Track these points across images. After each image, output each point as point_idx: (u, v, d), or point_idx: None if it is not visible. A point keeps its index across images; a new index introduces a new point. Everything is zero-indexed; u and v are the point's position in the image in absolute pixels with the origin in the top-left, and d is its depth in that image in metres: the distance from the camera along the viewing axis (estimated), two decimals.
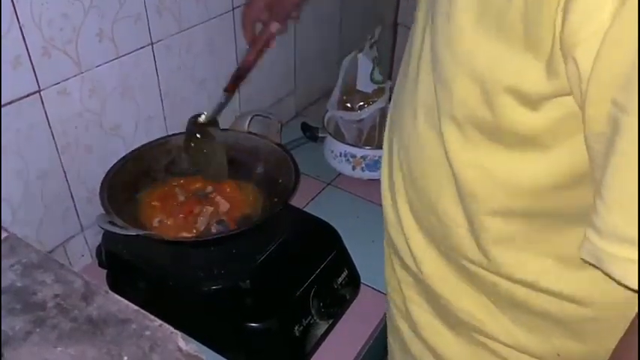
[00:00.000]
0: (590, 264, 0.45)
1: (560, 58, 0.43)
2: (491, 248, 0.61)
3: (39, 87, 0.83)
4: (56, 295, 0.52)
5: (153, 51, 1.00)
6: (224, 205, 0.97)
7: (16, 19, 0.76)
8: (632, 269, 0.42)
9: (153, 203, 0.97)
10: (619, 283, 0.43)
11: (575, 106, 0.45)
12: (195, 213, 0.95)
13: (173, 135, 1.05)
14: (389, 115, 0.75)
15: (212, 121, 0.98)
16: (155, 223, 0.93)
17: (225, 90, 0.97)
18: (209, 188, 1.00)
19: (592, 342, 0.62)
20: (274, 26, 0.94)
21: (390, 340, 0.87)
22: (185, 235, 0.92)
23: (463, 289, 0.68)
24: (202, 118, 0.97)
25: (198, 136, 0.98)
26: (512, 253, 0.60)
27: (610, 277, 0.44)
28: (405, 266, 0.75)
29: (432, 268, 0.70)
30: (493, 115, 0.51)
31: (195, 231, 0.92)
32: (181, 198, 0.98)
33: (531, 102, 0.48)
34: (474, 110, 0.53)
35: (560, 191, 0.54)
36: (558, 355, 0.64)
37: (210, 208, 0.95)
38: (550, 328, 0.64)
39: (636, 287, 0.42)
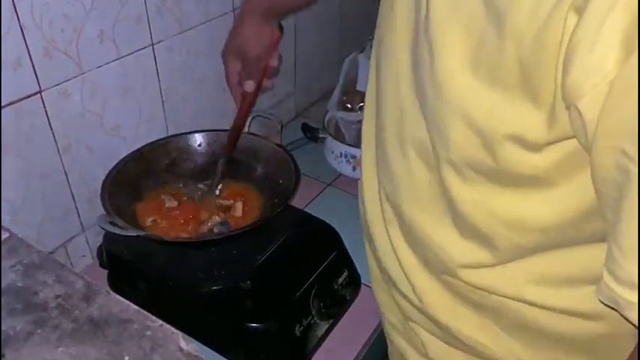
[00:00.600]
0: (609, 307, 0.45)
1: (562, 108, 0.43)
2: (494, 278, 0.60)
3: (40, 88, 0.83)
4: (57, 296, 0.52)
5: (154, 52, 1.00)
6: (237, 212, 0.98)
7: (16, 20, 0.77)
8: None
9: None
10: (638, 329, 0.43)
11: (577, 144, 0.45)
12: (203, 219, 0.95)
13: (174, 136, 1.05)
14: (364, 128, 0.73)
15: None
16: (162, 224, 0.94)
17: (224, 153, 0.99)
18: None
19: (602, 358, 0.62)
20: (249, 86, 0.95)
21: (392, 353, 0.86)
22: (185, 235, 0.92)
23: (465, 315, 0.67)
24: (204, 198, 0.99)
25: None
26: (521, 286, 0.60)
27: (628, 321, 0.43)
28: (404, 295, 0.74)
29: (432, 296, 0.69)
30: (494, 160, 0.50)
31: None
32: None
33: (534, 147, 0.48)
34: (473, 155, 0.52)
35: (569, 227, 0.53)
36: None
37: (218, 219, 0.95)
38: (558, 347, 0.63)
39: None
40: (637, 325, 0.43)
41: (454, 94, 0.50)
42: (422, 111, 0.56)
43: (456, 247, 0.61)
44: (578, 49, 0.39)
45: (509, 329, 0.65)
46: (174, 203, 0.97)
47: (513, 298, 0.62)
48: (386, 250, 0.73)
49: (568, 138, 0.45)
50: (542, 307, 0.61)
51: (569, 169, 0.49)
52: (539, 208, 0.53)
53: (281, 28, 0.95)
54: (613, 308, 0.44)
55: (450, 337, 0.71)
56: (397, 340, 0.81)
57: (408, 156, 0.61)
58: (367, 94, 0.71)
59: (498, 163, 0.50)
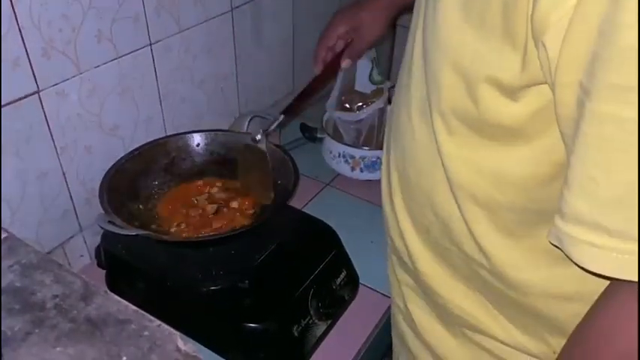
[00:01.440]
0: (555, 246, 0.46)
1: (533, 47, 0.44)
2: (484, 242, 0.61)
3: (38, 88, 0.83)
4: (55, 296, 0.52)
5: (152, 51, 1.00)
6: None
7: (15, 21, 0.77)
8: (589, 252, 0.43)
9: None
10: (577, 265, 0.44)
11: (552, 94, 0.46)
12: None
13: (172, 135, 1.05)
14: (388, 120, 0.76)
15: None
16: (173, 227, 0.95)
17: (284, 112, 0.95)
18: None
19: None
20: (346, 63, 0.96)
21: (394, 339, 0.87)
22: (186, 235, 0.92)
23: (460, 289, 0.69)
24: (259, 136, 0.96)
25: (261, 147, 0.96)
26: (502, 247, 0.61)
27: (570, 259, 0.44)
28: (404, 265, 0.76)
29: (429, 267, 0.70)
30: (475, 106, 0.52)
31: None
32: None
33: (510, 92, 0.49)
34: (458, 102, 0.54)
35: (545, 186, 0.54)
36: (555, 352, 0.64)
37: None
38: (543, 327, 0.64)
39: (592, 269, 0.43)
40: (575, 262, 0.44)
41: (447, 40, 0.52)
42: (424, 69, 0.59)
43: (448, 207, 0.63)
44: None
45: (500, 306, 0.66)
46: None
47: (496, 275, 0.63)
48: (391, 221, 0.75)
49: (539, 83, 0.47)
50: (523, 286, 0.62)
51: (544, 123, 0.50)
52: (518, 159, 0.54)
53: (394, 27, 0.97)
54: (559, 247, 0.45)
55: (443, 310, 0.72)
56: (398, 320, 0.82)
57: (412, 118, 0.64)
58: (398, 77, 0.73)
59: (479, 111, 0.52)
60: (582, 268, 0.44)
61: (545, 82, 0.46)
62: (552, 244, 0.47)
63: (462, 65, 0.51)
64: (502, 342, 0.68)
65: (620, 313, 0.46)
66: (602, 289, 0.48)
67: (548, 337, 0.64)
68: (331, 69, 0.98)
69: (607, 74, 0.39)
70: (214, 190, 1.03)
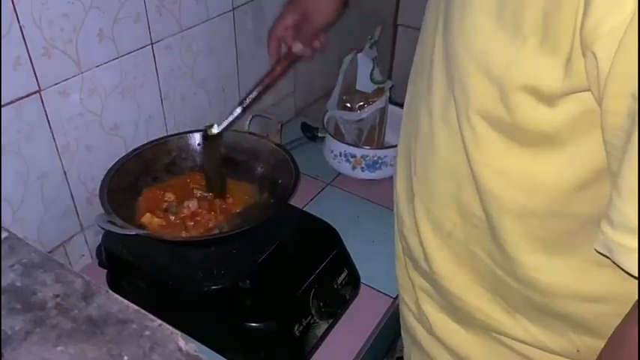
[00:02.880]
0: (604, 255, 0.45)
1: (579, 55, 0.44)
2: (511, 246, 0.60)
3: (39, 87, 0.83)
4: (56, 295, 0.52)
5: (153, 51, 1.00)
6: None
7: (16, 20, 0.77)
8: None
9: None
10: (628, 274, 0.43)
11: (592, 102, 0.45)
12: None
13: (173, 135, 1.05)
14: (403, 125, 0.75)
15: (221, 134, 0.96)
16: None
17: (241, 104, 0.94)
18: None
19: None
20: (297, 46, 0.94)
21: (405, 338, 0.86)
22: (184, 235, 0.92)
23: (479, 291, 0.68)
24: (215, 130, 0.95)
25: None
26: (529, 253, 0.60)
27: (620, 267, 0.44)
28: (420, 269, 0.75)
29: (448, 270, 0.70)
30: (509, 113, 0.51)
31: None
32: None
33: (548, 99, 0.48)
34: (490, 108, 0.53)
35: (578, 192, 0.54)
36: (578, 351, 0.64)
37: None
38: (568, 327, 0.64)
39: None
40: (626, 270, 0.43)
41: (477, 44, 0.51)
42: (447, 72, 0.58)
43: (475, 211, 0.62)
44: None
45: (521, 308, 0.65)
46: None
47: (521, 280, 0.62)
48: (408, 223, 0.74)
49: (582, 90, 0.46)
50: (552, 290, 0.61)
51: (582, 129, 0.49)
52: (551, 166, 0.53)
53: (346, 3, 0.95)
54: (607, 257, 0.45)
55: (460, 312, 0.71)
56: (409, 320, 0.82)
57: (434, 123, 0.63)
58: (410, 74, 0.73)
59: (513, 117, 0.51)
60: (632, 276, 0.43)
61: (588, 90, 0.45)
62: (600, 253, 0.46)
63: (494, 70, 0.50)
64: (522, 341, 0.67)
65: None
66: (633, 290, 0.47)
67: (572, 335, 0.64)
68: (288, 58, 0.96)
69: None
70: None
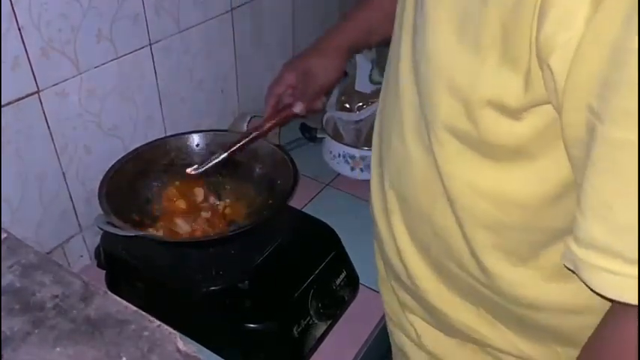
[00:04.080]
0: (570, 270, 0.45)
1: (537, 69, 0.44)
2: (487, 261, 0.60)
3: (37, 88, 0.83)
4: (55, 296, 0.52)
5: (151, 52, 1.00)
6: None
7: (14, 20, 0.76)
8: (604, 278, 0.42)
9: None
10: (593, 291, 0.44)
11: (556, 113, 0.45)
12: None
13: (172, 136, 1.05)
14: (375, 136, 0.74)
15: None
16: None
17: (226, 150, 0.93)
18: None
19: None
20: (298, 107, 0.94)
21: (394, 349, 0.86)
22: (184, 235, 0.92)
23: (462, 305, 0.68)
24: (192, 170, 0.94)
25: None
26: (507, 266, 0.60)
27: (586, 284, 0.44)
28: (402, 284, 0.75)
29: (429, 284, 0.70)
30: (475, 128, 0.51)
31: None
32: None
33: (513, 113, 0.48)
34: (457, 124, 0.53)
35: (550, 205, 0.54)
36: None
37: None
38: (551, 338, 0.64)
39: (609, 296, 0.43)
40: (591, 288, 0.43)
41: (441, 63, 0.52)
42: (417, 89, 0.58)
43: (449, 227, 0.62)
44: (552, 4, 0.40)
45: (505, 320, 0.66)
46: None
47: (501, 293, 0.62)
48: (387, 241, 0.74)
49: (544, 103, 0.46)
50: (531, 303, 0.61)
51: (548, 141, 0.49)
52: (521, 179, 0.54)
53: (345, 73, 0.95)
54: (573, 272, 0.45)
55: (446, 326, 0.71)
56: (397, 336, 0.82)
57: (405, 138, 0.63)
58: (380, 95, 0.72)
59: (480, 132, 0.51)
60: (597, 294, 0.43)
61: (549, 102, 0.45)
62: (567, 268, 0.46)
63: (459, 88, 0.51)
64: (508, 353, 0.67)
65: (633, 338, 0.45)
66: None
67: (556, 347, 0.64)
68: (282, 115, 0.96)
69: (620, 100, 0.38)
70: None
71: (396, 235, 0.71)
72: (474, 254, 0.61)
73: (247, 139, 0.94)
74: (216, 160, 0.93)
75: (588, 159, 0.42)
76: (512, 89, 0.47)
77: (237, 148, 0.94)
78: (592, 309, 0.54)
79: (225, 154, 0.93)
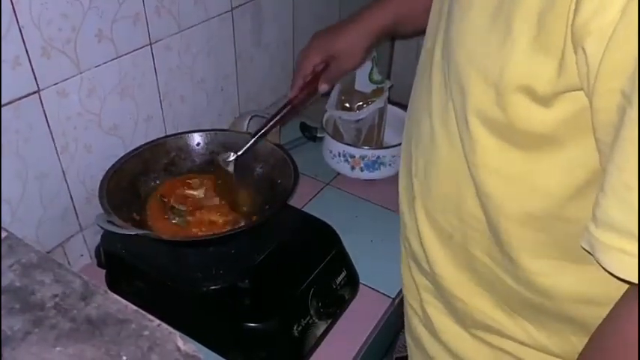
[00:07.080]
0: (588, 252, 0.46)
1: (571, 53, 0.44)
2: (511, 249, 0.60)
3: (38, 87, 0.83)
4: (55, 295, 0.52)
5: (152, 51, 1.00)
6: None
7: (15, 20, 0.76)
8: (620, 259, 0.43)
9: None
10: (606, 271, 0.44)
11: (587, 100, 0.46)
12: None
13: (172, 135, 1.05)
14: (406, 126, 0.75)
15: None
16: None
17: (256, 133, 0.94)
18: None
19: None
20: (324, 87, 0.95)
21: (409, 340, 0.87)
22: (184, 235, 0.92)
23: (479, 293, 0.68)
24: (231, 157, 0.95)
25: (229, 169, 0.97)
26: (532, 256, 0.60)
27: (599, 264, 0.44)
28: (422, 270, 0.75)
29: (448, 271, 0.70)
30: (505, 114, 0.52)
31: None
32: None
33: (543, 99, 0.49)
34: (486, 110, 0.53)
35: (578, 195, 0.54)
36: (578, 353, 0.64)
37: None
38: (567, 328, 0.64)
39: (622, 276, 0.43)
40: (605, 267, 0.43)
41: (473, 48, 0.52)
42: (446, 75, 0.58)
43: (475, 214, 0.62)
44: None
45: (521, 309, 0.66)
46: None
47: (522, 282, 0.62)
48: (410, 226, 0.75)
49: (576, 89, 0.46)
50: (550, 293, 0.61)
51: (578, 130, 0.49)
52: (549, 168, 0.54)
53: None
54: (590, 253, 0.45)
55: (463, 314, 0.71)
56: (414, 323, 0.82)
57: (434, 125, 0.63)
58: (413, 84, 0.73)
59: (509, 119, 0.52)
60: (611, 274, 0.44)
61: (581, 89, 0.46)
62: (584, 249, 0.46)
63: (489, 73, 0.51)
64: (522, 343, 0.67)
65: None
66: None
67: (571, 337, 0.64)
68: (308, 93, 0.96)
69: None
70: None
71: (419, 222, 0.72)
72: (497, 242, 0.61)
73: (277, 118, 0.94)
74: (249, 145, 0.94)
75: (615, 141, 0.42)
76: (544, 74, 0.47)
77: (267, 131, 0.95)
78: (612, 300, 0.55)
79: (253, 139, 0.94)
